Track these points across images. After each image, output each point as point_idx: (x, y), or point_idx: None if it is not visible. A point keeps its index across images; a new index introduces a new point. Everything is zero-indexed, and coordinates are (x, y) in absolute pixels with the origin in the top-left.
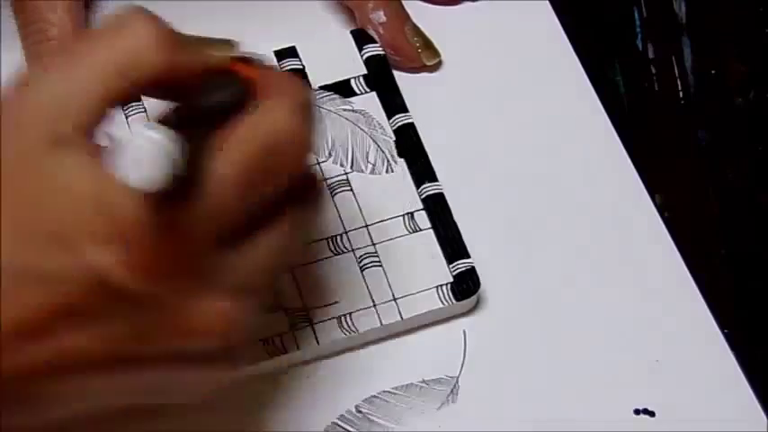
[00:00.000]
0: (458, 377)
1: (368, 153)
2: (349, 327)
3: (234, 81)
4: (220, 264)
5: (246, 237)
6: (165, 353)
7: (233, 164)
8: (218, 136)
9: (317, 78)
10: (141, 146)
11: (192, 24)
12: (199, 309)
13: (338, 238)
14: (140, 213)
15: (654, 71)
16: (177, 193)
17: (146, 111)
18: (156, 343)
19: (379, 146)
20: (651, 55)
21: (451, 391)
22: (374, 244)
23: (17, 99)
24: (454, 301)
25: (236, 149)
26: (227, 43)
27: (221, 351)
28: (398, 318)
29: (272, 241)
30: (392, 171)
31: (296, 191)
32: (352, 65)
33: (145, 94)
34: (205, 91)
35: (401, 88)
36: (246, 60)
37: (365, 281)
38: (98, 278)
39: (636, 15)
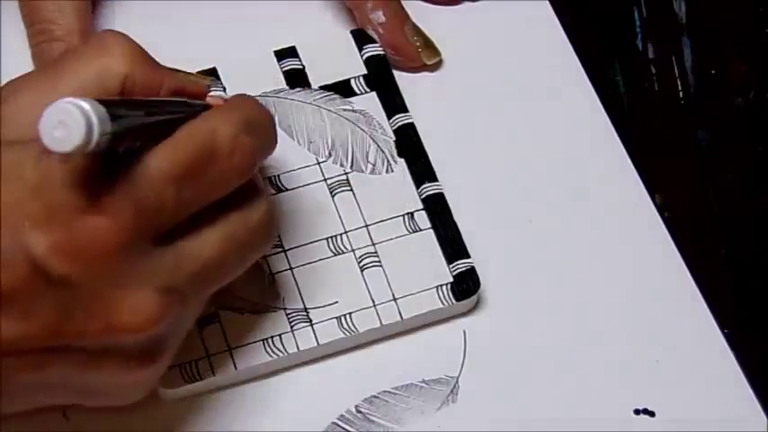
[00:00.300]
0: (458, 377)
1: (368, 153)
2: (349, 327)
3: (194, 103)
4: (152, 260)
5: (181, 239)
6: (90, 345)
7: (168, 160)
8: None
9: (317, 78)
10: (67, 109)
11: (192, 25)
12: (125, 301)
13: (338, 238)
14: (72, 198)
15: (654, 71)
16: (111, 179)
17: None
18: (82, 332)
19: (379, 146)
20: (651, 55)
21: (451, 391)
22: (374, 244)
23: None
24: (454, 301)
25: (173, 147)
26: (205, 79)
27: (145, 348)
28: (398, 318)
29: (206, 246)
30: (392, 171)
31: (238, 200)
32: (352, 65)
33: None
34: (164, 106)
35: (401, 88)
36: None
37: (365, 281)
38: (32, 262)
39: (636, 15)
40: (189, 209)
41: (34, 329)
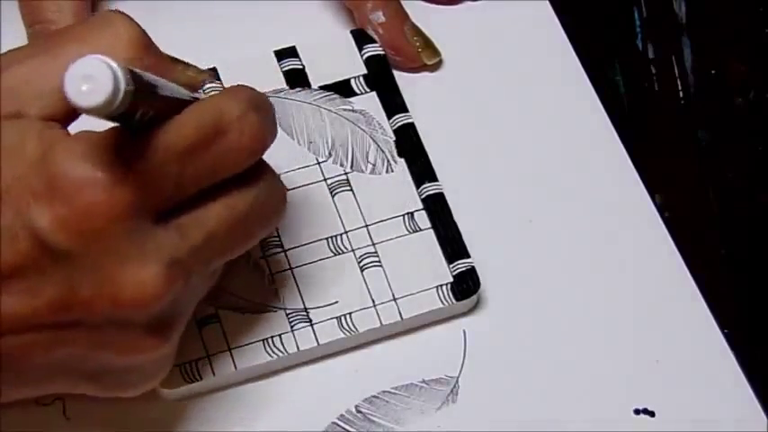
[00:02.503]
0: (458, 377)
1: (368, 153)
2: (349, 327)
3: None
4: (156, 234)
5: (186, 212)
6: (99, 321)
7: (175, 135)
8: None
9: (317, 78)
10: (94, 63)
11: (192, 25)
12: (129, 275)
13: (338, 238)
14: (75, 171)
15: (654, 71)
16: (114, 152)
17: None
18: (89, 306)
19: (379, 146)
20: (651, 55)
21: (451, 390)
22: (374, 244)
23: None
24: (454, 300)
25: (180, 123)
26: (203, 72)
27: (152, 324)
28: (398, 318)
29: (210, 218)
30: (392, 171)
31: (245, 175)
32: (352, 65)
33: None
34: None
35: (401, 88)
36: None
37: (365, 281)
38: (36, 236)
39: (636, 15)
40: (196, 185)
41: (41, 304)
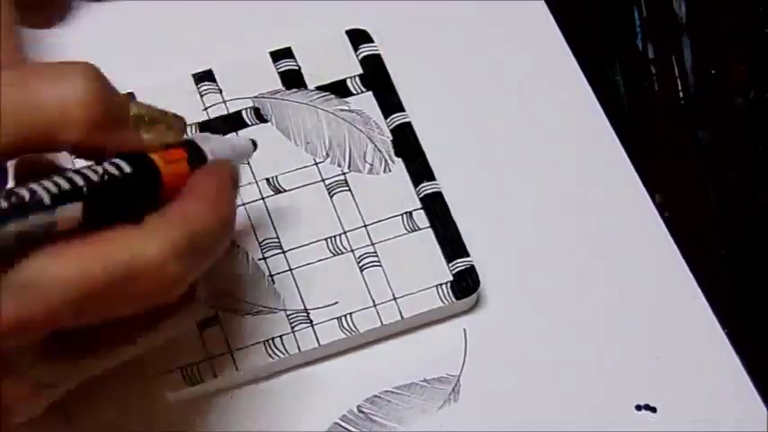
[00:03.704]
0: (459, 376)
1: (365, 153)
2: (349, 327)
3: (145, 169)
4: (35, 362)
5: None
6: None
7: (74, 272)
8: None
9: (313, 79)
10: None
11: (187, 26)
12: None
13: (337, 238)
14: None
15: (654, 71)
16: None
17: None
18: None
19: (376, 145)
20: (651, 55)
21: (453, 389)
22: (373, 244)
23: None
24: (454, 299)
25: (86, 260)
26: (179, 120)
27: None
28: (399, 317)
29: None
30: (390, 171)
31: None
32: (347, 65)
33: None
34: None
35: (398, 88)
36: (192, 147)
37: (365, 281)
38: None
39: (636, 15)
40: (89, 322)
41: None
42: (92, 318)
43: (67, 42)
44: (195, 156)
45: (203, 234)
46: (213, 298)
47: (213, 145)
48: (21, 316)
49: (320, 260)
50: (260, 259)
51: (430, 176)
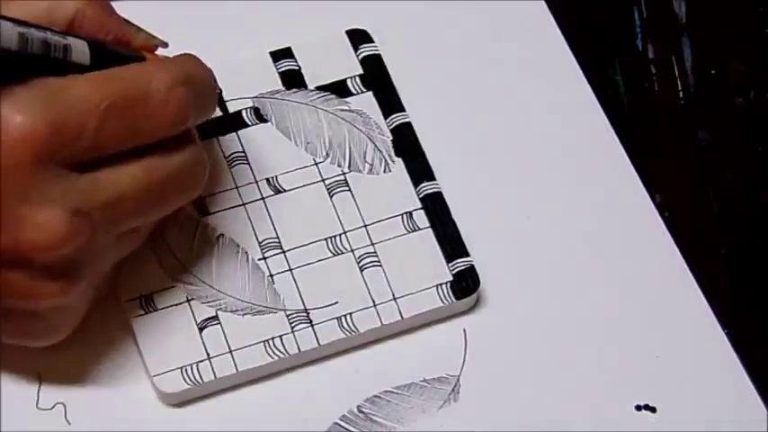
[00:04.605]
0: (459, 376)
1: (365, 153)
2: (349, 327)
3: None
4: (65, 182)
5: (100, 168)
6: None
7: (96, 89)
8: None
9: (313, 79)
10: None
11: (188, 24)
12: (33, 218)
13: (337, 238)
14: None
15: (654, 71)
16: (33, 93)
17: None
18: None
19: (376, 145)
20: (651, 55)
21: (453, 389)
22: (373, 244)
23: None
24: (454, 299)
25: (104, 78)
26: (155, 38)
27: (55, 269)
28: (399, 317)
29: (125, 178)
30: (390, 171)
31: (167, 143)
32: (348, 65)
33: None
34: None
35: (398, 88)
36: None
37: (365, 281)
38: None
39: (636, 15)
40: (112, 145)
41: None
42: (112, 137)
43: None
44: None
45: (198, 77)
46: (213, 298)
47: None
48: (51, 121)
49: (320, 260)
50: (260, 259)
51: (430, 176)
